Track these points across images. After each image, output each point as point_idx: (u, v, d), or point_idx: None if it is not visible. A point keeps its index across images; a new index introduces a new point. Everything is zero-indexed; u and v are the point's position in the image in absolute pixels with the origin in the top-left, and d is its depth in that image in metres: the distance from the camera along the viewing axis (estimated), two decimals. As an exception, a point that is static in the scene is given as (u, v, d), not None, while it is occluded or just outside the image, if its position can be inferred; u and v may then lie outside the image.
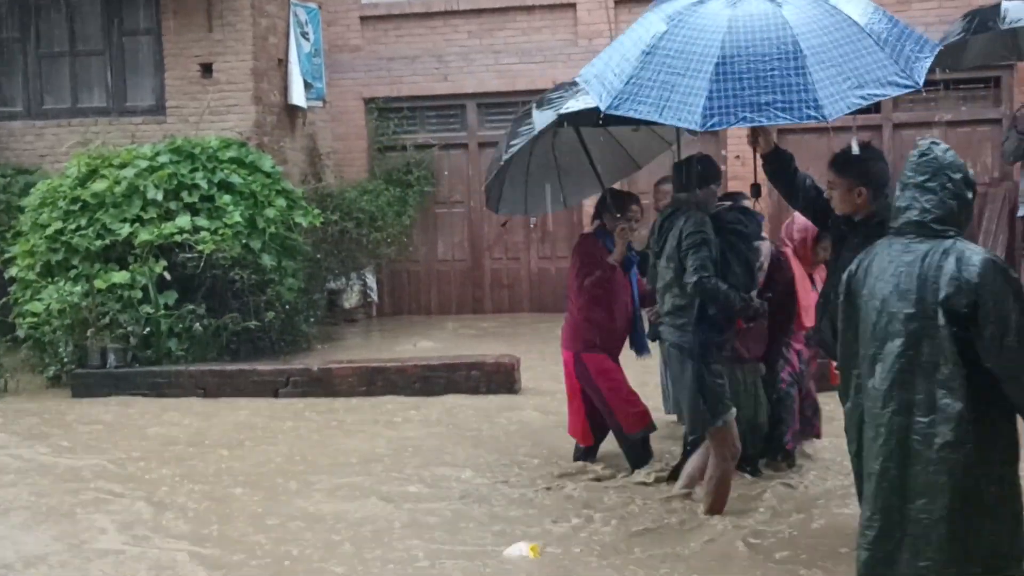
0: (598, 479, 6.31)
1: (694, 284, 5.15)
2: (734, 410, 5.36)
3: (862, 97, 4.43)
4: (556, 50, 13.93)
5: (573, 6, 13.94)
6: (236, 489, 6.51)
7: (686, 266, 5.19)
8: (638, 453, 6.35)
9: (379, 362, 9.57)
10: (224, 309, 10.52)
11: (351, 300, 13.70)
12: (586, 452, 6.68)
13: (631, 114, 4.67)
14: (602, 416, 6.43)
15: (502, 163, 6.18)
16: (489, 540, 5.34)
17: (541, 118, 6.00)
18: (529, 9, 14.07)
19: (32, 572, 5.15)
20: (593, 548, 5.14)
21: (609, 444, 6.64)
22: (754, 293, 5.41)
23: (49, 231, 10.63)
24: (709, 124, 4.44)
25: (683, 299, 5.28)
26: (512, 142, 6.10)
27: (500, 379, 9.12)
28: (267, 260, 10.69)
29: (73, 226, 10.56)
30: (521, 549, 5.13)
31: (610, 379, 6.32)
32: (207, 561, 5.20)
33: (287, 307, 10.97)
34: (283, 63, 12.84)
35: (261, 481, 6.67)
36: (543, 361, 10.34)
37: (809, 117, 4.40)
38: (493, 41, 14.10)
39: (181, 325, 10.17)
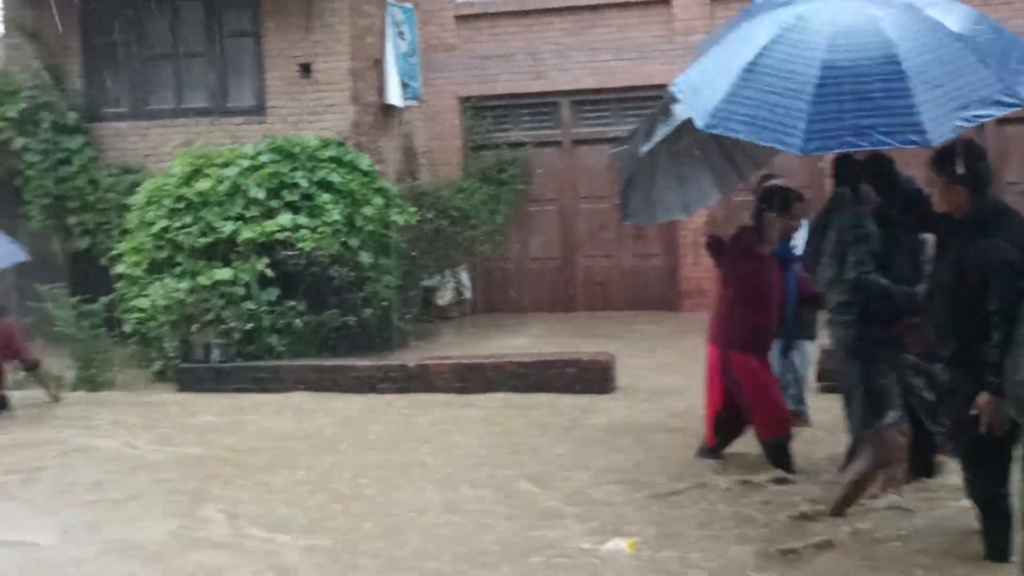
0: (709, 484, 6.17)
1: (853, 280, 5.08)
2: (898, 412, 5.16)
3: (966, 119, 4.30)
4: (651, 47, 13.85)
5: (668, 2, 13.85)
6: (342, 481, 6.61)
7: (846, 261, 5.12)
8: (776, 457, 6.22)
9: (475, 359, 9.63)
10: (323, 306, 10.70)
11: (445, 297, 13.80)
12: (711, 451, 6.59)
13: (729, 134, 4.59)
14: (733, 418, 6.35)
15: (641, 154, 6.03)
16: (588, 535, 5.33)
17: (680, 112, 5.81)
18: (624, 6, 14.02)
19: (146, 560, 5.29)
20: (692, 549, 5.09)
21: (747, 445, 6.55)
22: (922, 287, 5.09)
23: (155, 229, 10.93)
24: (811, 148, 4.36)
25: (846, 295, 5.17)
26: (651, 137, 5.94)
27: (595, 377, 9.11)
28: (365, 257, 10.84)
29: (178, 224, 10.84)
30: (618, 544, 5.13)
31: (754, 380, 6.19)
32: (317, 552, 5.29)
33: (384, 304, 11.09)
34: (379, 63, 12.99)
35: (366, 473, 6.76)
36: (638, 359, 10.34)
37: (912, 143, 4.28)
38: (588, 38, 14.08)
39: (282, 321, 10.37)
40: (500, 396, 8.99)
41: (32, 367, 9.77)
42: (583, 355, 9.39)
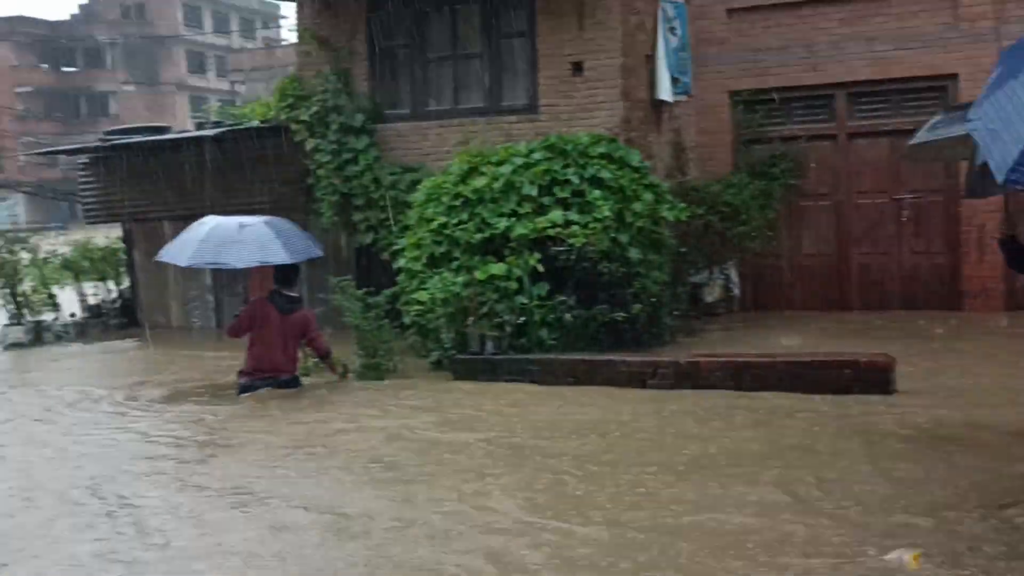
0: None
1: None
2: None
3: None
4: (934, 36, 13.21)
5: (954, -13, 13.17)
6: (622, 474, 6.65)
7: None
8: None
9: (747, 357, 9.47)
10: (592, 301, 10.82)
11: (713, 294, 13.67)
12: None
13: None
14: None
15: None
16: (875, 542, 5.16)
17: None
18: (905, -8, 13.44)
19: (428, 537, 5.55)
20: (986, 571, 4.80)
21: None
22: None
23: (434, 225, 11.39)
24: None
25: None
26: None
27: (873, 379, 8.76)
28: (634, 253, 10.89)
29: (455, 220, 11.26)
30: (902, 556, 4.94)
31: None
32: (601, 544, 5.36)
33: (652, 300, 11.10)
34: (650, 59, 13.01)
35: (645, 467, 6.77)
36: (918, 361, 9.89)
37: None
38: (866, 28, 13.58)
39: (552, 315, 10.57)
40: (774, 396, 8.79)
41: (324, 355, 10.57)
42: (861, 355, 9.05)
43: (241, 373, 10.24)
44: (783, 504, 5.89)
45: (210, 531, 5.87)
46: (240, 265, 10.27)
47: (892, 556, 4.94)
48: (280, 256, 10.04)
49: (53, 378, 12.21)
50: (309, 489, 6.67)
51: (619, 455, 7.17)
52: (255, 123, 14.43)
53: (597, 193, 11.03)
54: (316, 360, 10.94)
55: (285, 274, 10.28)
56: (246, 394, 9.99)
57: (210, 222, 10.44)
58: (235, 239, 10.03)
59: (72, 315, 16.48)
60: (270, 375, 10.16)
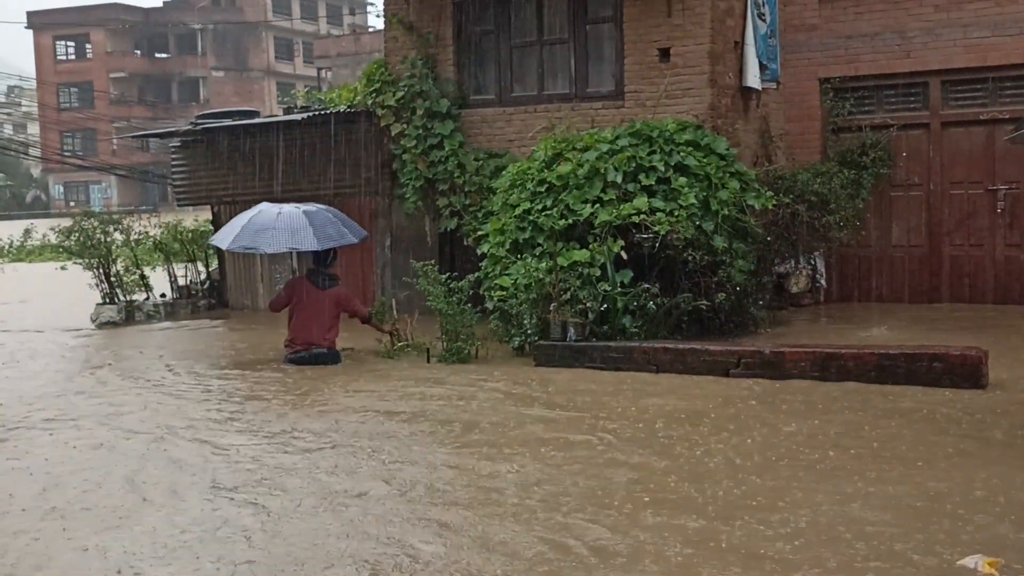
0: None
1: None
2: None
3: None
4: (1035, 21, 12.84)
5: (1057, -30, 12.78)
6: (722, 463, 6.64)
7: None
8: None
9: (834, 348, 9.32)
10: (675, 289, 10.76)
11: (799, 284, 13.47)
12: None
13: None
14: None
15: None
16: (957, 544, 5.05)
17: None
18: (1004, -23, 13.07)
19: (511, 515, 5.59)
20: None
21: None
22: None
23: (518, 211, 11.41)
24: None
25: None
26: None
27: (965, 373, 8.56)
28: (719, 242, 10.78)
29: (539, 206, 11.27)
30: (977, 561, 4.79)
31: None
32: (692, 534, 5.36)
33: (737, 289, 10.99)
34: (739, 45, 12.85)
35: (751, 457, 6.75)
36: (1013, 356, 9.66)
37: None
38: (962, 14, 13.22)
39: (635, 303, 10.51)
40: (862, 388, 8.64)
41: (365, 319, 11.68)
42: (952, 348, 8.85)
43: (285, 345, 11.28)
44: (886, 498, 5.80)
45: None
46: (270, 251, 11.25)
47: (966, 561, 4.80)
48: (308, 243, 10.93)
49: (144, 353, 12.56)
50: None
51: (720, 443, 7.12)
52: (342, 108, 14.57)
53: (683, 180, 10.94)
54: (401, 344, 11.19)
55: (321, 256, 11.35)
56: (290, 364, 11.00)
57: (257, 208, 11.47)
58: (271, 225, 10.98)
59: (163, 296, 16.84)
60: (303, 347, 11.05)
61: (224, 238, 11.36)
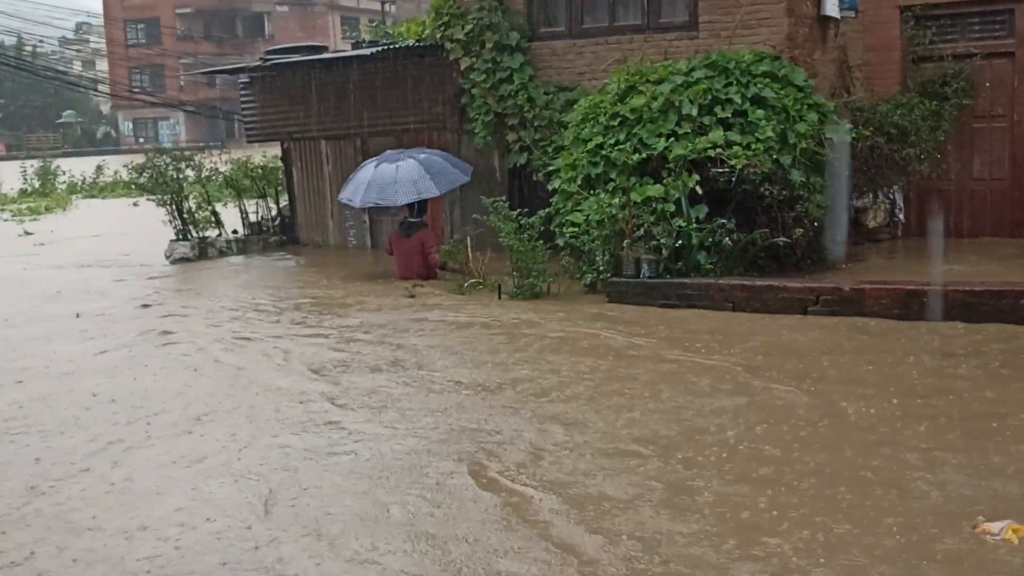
0: None
1: None
2: None
3: None
4: None
5: None
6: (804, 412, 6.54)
7: None
8: None
9: (916, 284, 9.10)
10: (752, 225, 10.55)
11: (877, 219, 13.16)
12: None
13: None
14: None
15: None
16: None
17: None
18: None
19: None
20: None
21: None
22: None
23: (590, 145, 11.24)
24: None
25: None
26: None
27: (1053, 310, 8.34)
28: (796, 176, 10.54)
29: (612, 141, 11.08)
30: (1002, 528, 4.58)
31: None
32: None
33: (815, 224, 10.76)
34: (817, -28, 12.45)
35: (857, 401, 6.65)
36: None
37: None
38: (1052, -64, 12.67)
39: (711, 239, 10.34)
40: (949, 325, 8.45)
41: (438, 267, 12.42)
42: (1039, 284, 8.61)
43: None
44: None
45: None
46: (402, 202, 12.48)
47: (994, 525, 4.62)
48: (431, 190, 12.38)
49: (220, 288, 12.82)
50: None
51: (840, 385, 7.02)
52: (410, 42, 14.42)
53: (759, 113, 10.69)
54: (473, 281, 11.22)
55: (410, 205, 12.58)
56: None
57: (370, 166, 12.84)
58: (393, 179, 12.36)
59: (234, 232, 16.97)
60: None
61: (352, 197, 12.83)
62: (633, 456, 5.69)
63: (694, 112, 10.74)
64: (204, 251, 16.08)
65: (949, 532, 4.57)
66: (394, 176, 12.36)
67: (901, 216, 13.62)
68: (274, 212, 17.43)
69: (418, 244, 12.50)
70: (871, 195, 13.06)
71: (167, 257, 15.81)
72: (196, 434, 6.55)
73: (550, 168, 12.30)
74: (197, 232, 16.33)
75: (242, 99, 17.55)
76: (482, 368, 7.81)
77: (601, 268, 10.66)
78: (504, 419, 6.47)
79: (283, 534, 4.85)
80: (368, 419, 6.65)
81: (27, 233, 21.51)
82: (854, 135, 11.52)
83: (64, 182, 35.64)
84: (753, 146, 10.43)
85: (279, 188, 17.42)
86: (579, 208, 10.99)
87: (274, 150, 18.28)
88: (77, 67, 79.98)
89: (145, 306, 11.63)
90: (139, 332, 10.11)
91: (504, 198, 11.82)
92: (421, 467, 5.65)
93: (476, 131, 13.74)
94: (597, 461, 5.63)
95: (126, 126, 77.03)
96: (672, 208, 10.42)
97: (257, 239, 16.86)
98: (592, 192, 10.95)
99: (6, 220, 25.15)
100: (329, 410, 6.90)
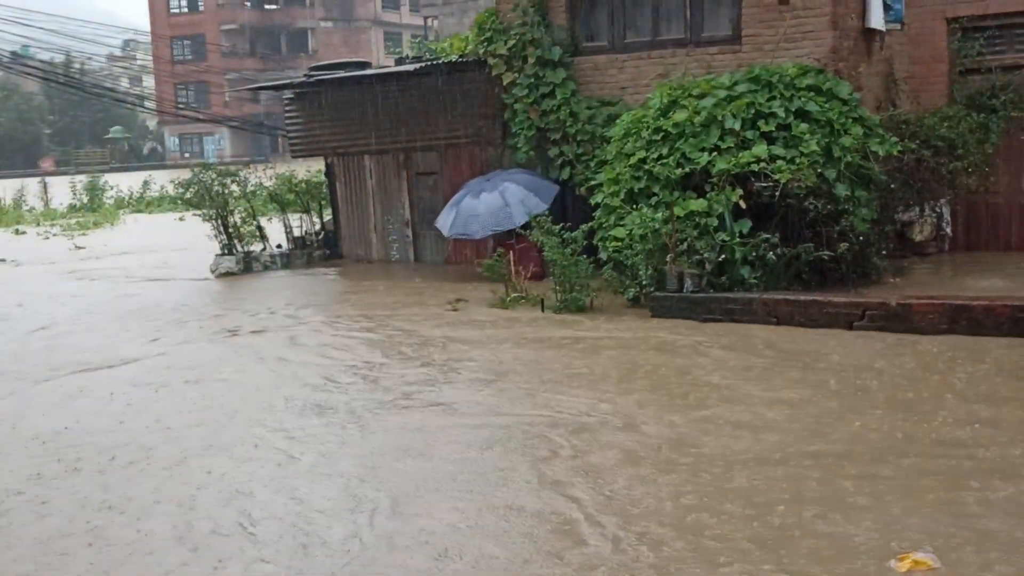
0: None
1: None
2: None
3: None
4: None
5: None
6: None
7: None
8: None
9: (963, 299, 9.00)
10: (796, 239, 10.48)
11: (923, 233, 13.01)
12: None
13: None
14: None
15: None
16: None
17: None
18: None
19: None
20: None
21: None
22: None
23: (633, 160, 11.24)
24: None
25: None
26: None
27: (1105, 326, 8.21)
28: (841, 190, 10.46)
29: (655, 155, 11.07)
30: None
31: None
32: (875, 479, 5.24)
33: (860, 238, 10.66)
34: (862, -15, 12.36)
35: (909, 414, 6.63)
36: None
37: None
38: (1102, -54, 12.50)
39: (755, 253, 10.28)
40: (1000, 342, 8.34)
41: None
42: (1090, 301, 8.48)
43: None
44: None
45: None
46: (479, 236, 13.15)
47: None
48: (507, 224, 12.66)
49: (264, 300, 12.94)
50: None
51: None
52: (453, 58, 14.50)
53: (804, 127, 10.63)
54: (515, 295, 11.22)
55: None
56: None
57: (462, 195, 13.31)
58: (475, 212, 12.95)
59: (278, 246, 17.11)
60: None
61: (443, 225, 13.43)
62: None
63: (737, 126, 10.70)
64: (249, 265, 16.24)
65: None
66: (476, 208, 12.98)
67: (948, 230, 13.46)
68: (318, 226, 17.56)
69: (531, 246, 12.54)
70: (917, 209, 12.92)
71: (212, 271, 15.97)
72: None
73: (592, 183, 12.30)
74: (242, 246, 16.49)
75: (286, 114, 17.71)
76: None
77: (644, 282, 10.63)
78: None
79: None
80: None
81: (78, 247, 21.81)
82: (900, 148, 11.41)
83: (112, 197, 36.12)
84: (797, 160, 10.37)
85: (323, 202, 17.55)
86: (622, 222, 10.98)
87: (318, 165, 18.43)
88: (124, 83, 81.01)
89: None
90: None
91: (547, 212, 11.82)
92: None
93: (519, 146, 13.77)
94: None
95: (172, 141, 77.86)
96: (715, 222, 10.39)
97: (301, 253, 16.99)
98: (635, 206, 10.93)
99: (56, 235, 25.52)
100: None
